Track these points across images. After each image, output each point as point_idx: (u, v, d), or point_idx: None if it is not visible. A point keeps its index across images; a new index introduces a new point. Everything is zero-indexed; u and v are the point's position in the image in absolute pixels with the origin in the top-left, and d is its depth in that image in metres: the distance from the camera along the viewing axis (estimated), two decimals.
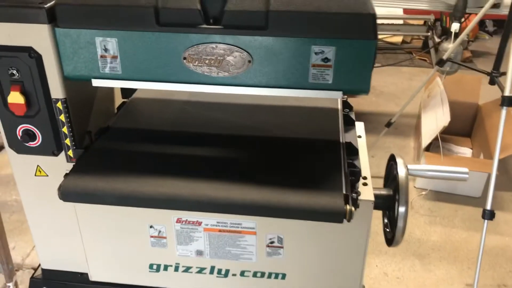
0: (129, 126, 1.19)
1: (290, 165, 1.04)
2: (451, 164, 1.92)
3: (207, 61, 0.95)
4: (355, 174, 1.00)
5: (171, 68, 0.97)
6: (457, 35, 2.32)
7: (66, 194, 0.97)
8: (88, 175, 0.99)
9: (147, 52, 0.96)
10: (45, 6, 0.94)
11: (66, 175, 0.99)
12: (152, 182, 0.98)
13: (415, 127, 3.02)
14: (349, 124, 1.20)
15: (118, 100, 1.32)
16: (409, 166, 1.05)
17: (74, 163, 1.05)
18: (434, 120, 2.57)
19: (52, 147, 1.07)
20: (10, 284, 1.71)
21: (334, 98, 1.26)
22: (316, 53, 0.92)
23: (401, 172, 1.01)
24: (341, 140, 1.12)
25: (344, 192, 0.93)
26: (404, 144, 2.96)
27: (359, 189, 0.99)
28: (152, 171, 1.01)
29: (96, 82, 1.01)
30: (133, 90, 1.33)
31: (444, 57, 2.38)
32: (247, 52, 0.94)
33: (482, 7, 2.26)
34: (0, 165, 2.66)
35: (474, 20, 2.34)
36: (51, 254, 1.22)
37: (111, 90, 1.28)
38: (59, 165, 1.08)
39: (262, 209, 0.94)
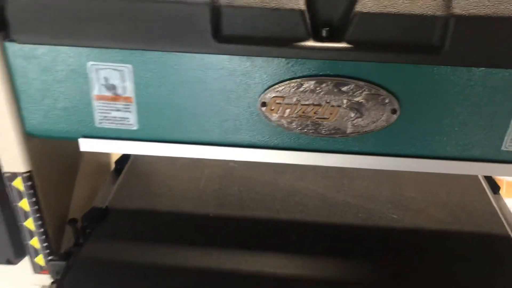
0: (141, 205, 0.71)
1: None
2: None
3: (308, 111, 0.49)
4: None
5: (233, 123, 0.51)
6: None
7: None
8: None
9: (189, 91, 0.50)
10: None
11: None
12: None
13: None
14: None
15: None
16: None
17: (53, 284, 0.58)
18: None
19: (7, 251, 0.64)
20: None
21: None
22: None
23: None
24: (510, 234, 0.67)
25: None
26: None
27: None
28: None
29: (86, 145, 0.54)
30: None
31: None
32: (393, 94, 0.48)
33: None
34: None
35: None
36: None
37: None
38: (19, 280, 0.63)
39: None
